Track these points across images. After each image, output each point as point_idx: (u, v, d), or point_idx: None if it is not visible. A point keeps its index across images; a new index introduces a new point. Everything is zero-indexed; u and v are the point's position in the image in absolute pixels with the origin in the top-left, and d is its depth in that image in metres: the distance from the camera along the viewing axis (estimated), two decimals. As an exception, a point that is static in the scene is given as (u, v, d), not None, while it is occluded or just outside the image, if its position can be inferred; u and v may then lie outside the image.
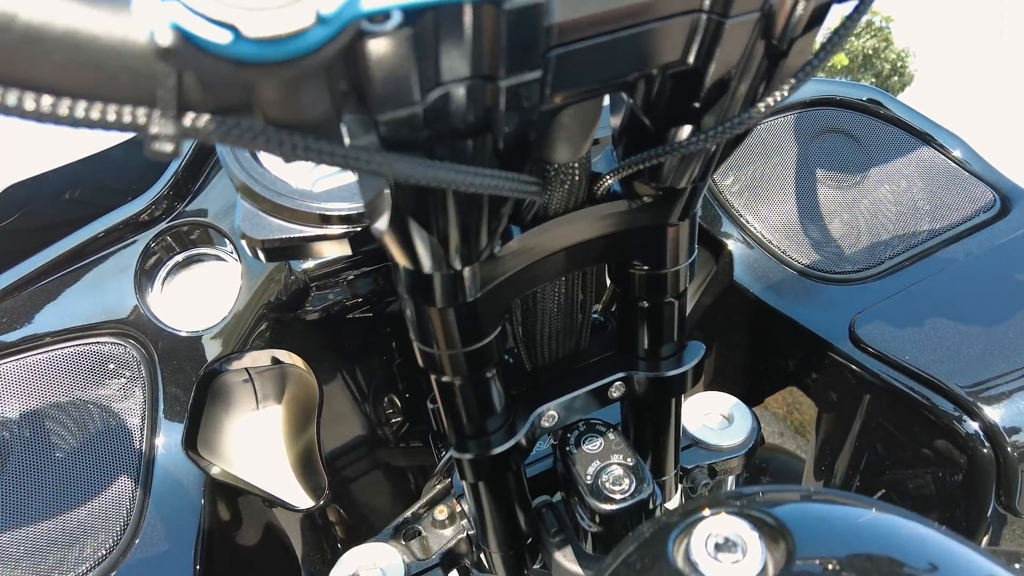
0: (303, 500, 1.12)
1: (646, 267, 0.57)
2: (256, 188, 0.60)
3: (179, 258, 0.97)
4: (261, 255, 0.61)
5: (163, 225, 0.95)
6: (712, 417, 0.95)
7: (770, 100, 0.40)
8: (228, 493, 0.94)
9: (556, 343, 0.64)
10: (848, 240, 1.07)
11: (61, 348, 0.92)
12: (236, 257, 0.99)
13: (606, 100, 0.48)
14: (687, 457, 0.88)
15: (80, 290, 0.94)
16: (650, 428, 0.71)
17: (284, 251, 0.60)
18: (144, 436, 0.90)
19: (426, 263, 0.43)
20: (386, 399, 1.31)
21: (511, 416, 0.61)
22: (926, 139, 1.12)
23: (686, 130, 0.44)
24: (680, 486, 0.86)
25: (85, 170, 1.01)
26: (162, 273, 0.97)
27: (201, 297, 0.97)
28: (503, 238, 0.50)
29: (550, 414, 0.63)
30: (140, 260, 0.94)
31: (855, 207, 1.09)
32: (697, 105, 0.42)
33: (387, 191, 0.37)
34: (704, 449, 0.93)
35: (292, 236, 0.59)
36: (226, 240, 0.98)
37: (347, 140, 0.31)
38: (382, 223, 0.40)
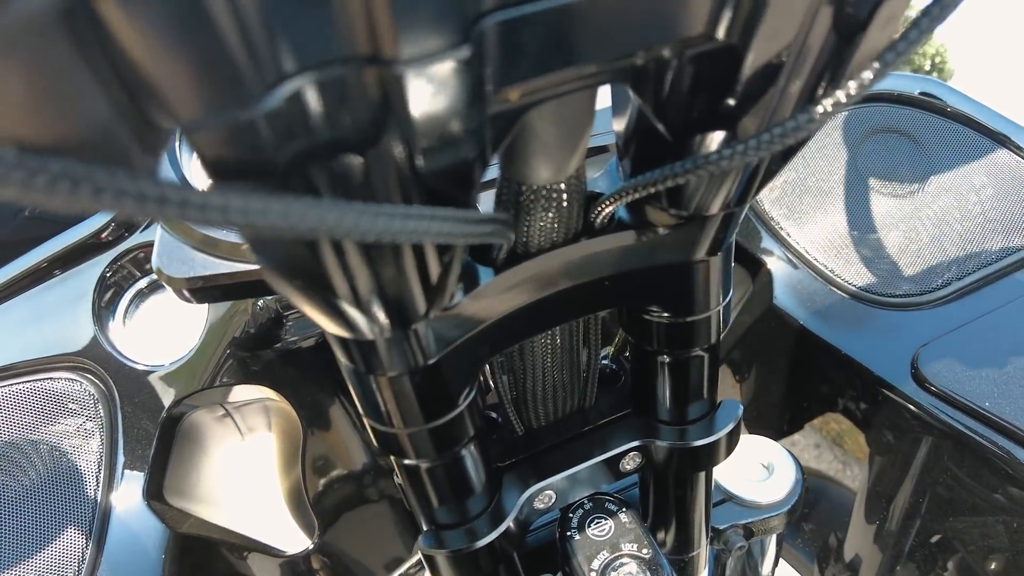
0: (290, 543, 1.01)
1: (666, 314, 0.44)
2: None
3: (142, 284, 0.86)
4: (187, 295, 0.49)
5: (124, 246, 0.85)
6: (749, 466, 0.81)
7: (840, 95, 0.26)
8: (197, 549, 0.83)
9: (553, 402, 0.52)
10: (907, 258, 0.92)
11: (10, 385, 0.82)
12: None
13: (603, 93, 0.35)
14: (719, 515, 0.75)
15: (31, 319, 0.84)
16: (674, 501, 0.58)
17: (213, 292, 0.49)
18: (101, 485, 0.80)
19: (360, 327, 0.31)
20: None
21: (496, 496, 0.49)
22: (999, 139, 0.96)
23: (716, 138, 0.31)
24: (711, 548, 0.73)
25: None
26: (123, 301, 0.86)
27: (166, 328, 0.86)
28: (465, 282, 0.37)
29: (546, 493, 0.50)
30: (98, 285, 0.84)
31: (914, 219, 0.94)
32: (732, 102, 0.29)
33: (259, 257, 0.25)
34: (739, 505, 0.79)
35: (218, 273, 0.47)
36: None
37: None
38: (278, 286, 0.28)
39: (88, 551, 0.77)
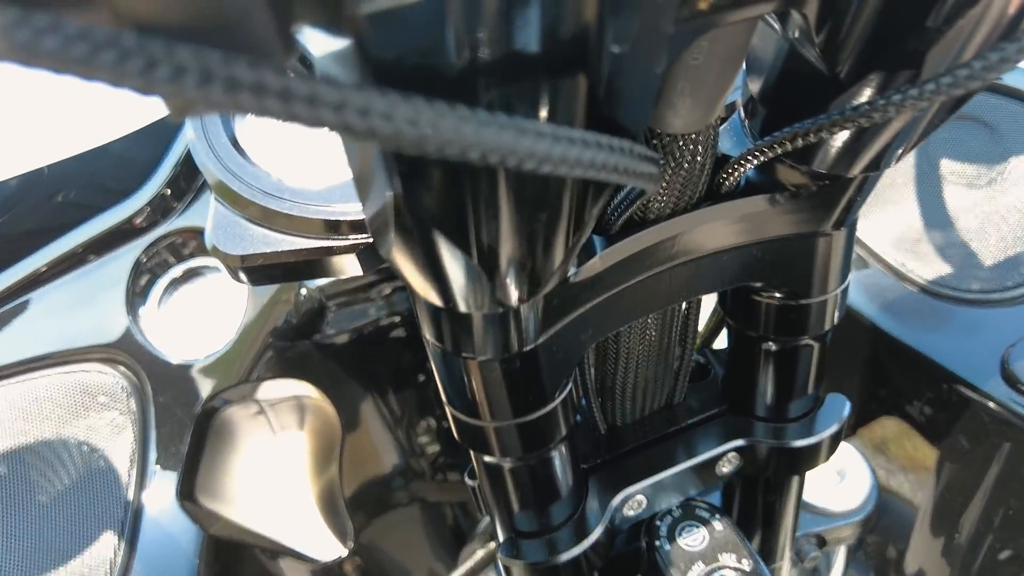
0: (324, 549, 0.97)
1: (779, 295, 0.39)
2: (234, 186, 0.44)
3: (177, 272, 0.82)
4: (242, 277, 0.44)
5: (159, 231, 0.81)
6: (822, 471, 0.76)
7: None
8: (229, 552, 0.78)
9: (643, 396, 0.47)
10: (986, 251, 0.86)
11: (42, 376, 0.78)
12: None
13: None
14: (791, 524, 0.69)
15: (64, 307, 0.80)
16: (764, 508, 0.53)
17: (272, 271, 0.44)
18: (133, 482, 0.76)
19: (463, 299, 0.26)
20: (420, 425, 1.14)
21: (582, 503, 0.44)
22: (1085, 126, 0.90)
23: (888, 80, 0.26)
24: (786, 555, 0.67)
25: (80, 168, 0.87)
26: (158, 290, 0.82)
27: (202, 318, 0.82)
28: (581, 253, 0.32)
29: (637, 499, 0.45)
30: (132, 274, 0.80)
31: (992, 210, 0.88)
32: (928, 25, 0.24)
33: (389, 186, 0.21)
34: (812, 513, 0.74)
35: (281, 251, 0.43)
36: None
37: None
38: (387, 237, 0.24)
39: (121, 551, 0.73)
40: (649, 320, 0.41)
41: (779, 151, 0.29)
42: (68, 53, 0.11)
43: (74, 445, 0.76)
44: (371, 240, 0.44)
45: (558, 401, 0.36)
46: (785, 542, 0.56)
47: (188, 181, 0.83)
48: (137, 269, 0.81)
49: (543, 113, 0.18)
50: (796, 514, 0.55)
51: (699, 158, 0.31)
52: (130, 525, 0.73)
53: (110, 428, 0.77)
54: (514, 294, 0.27)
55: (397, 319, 0.86)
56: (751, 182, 0.35)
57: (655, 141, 0.29)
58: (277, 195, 0.44)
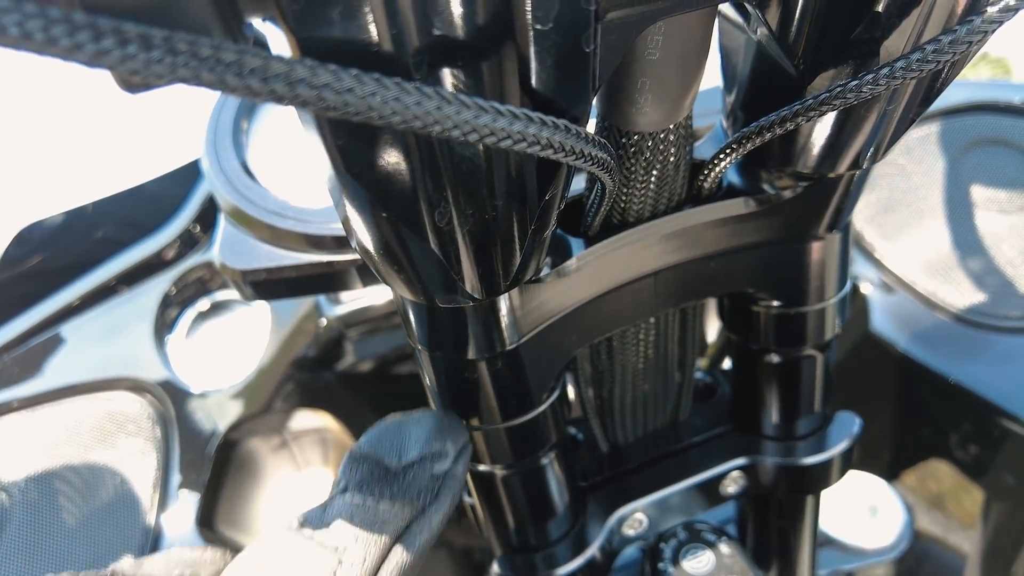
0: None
1: (777, 303, 0.39)
2: (241, 204, 0.46)
3: (203, 305, 0.85)
4: (246, 291, 0.46)
5: (186, 265, 0.84)
6: (852, 506, 0.73)
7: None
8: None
9: (644, 413, 0.46)
10: (1021, 278, 0.83)
11: (73, 403, 0.81)
12: (267, 303, 0.86)
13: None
14: (818, 561, 0.66)
15: (95, 337, 0.83)
16: (777, 533, 0.51)
17: (275, 286, 0.45)
18: (154, 508, 0.77)
19: (430, 289, 0.27)
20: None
21: (580, 519, 0.43)
22: (1120, 148, 0.87)
23: (849, 70, 0.27)
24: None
25: (116, 206, 0.92)
26: (184, 322, 0.85)
27: (226, 350, 0.84)
28: (557, 254, 0.33)
29: (637, 517, 0.44)
30: (160, 306, 0.83)
31: (1027, 236, 0.86)
32: (880, 13, 0.24)
33: (344, 174, 0.21)
34: (841, 550, 0.71)
35: (283, 265, 0.44)
36: (258, 282, 0.86)
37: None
38: (351, 227, 0.25)
39: (139, 579, 0.73)
40: (642, 333, 0.41)
41: (749, 146, 0.29)
42: (26, 30, 0.12)
43: (100, 471, 0.78)
44: (370, 255, 0.46)
45: (546, 406, 0.36)
46: (803, 571, 0.54)
47: (214, 217, 0.86)
48: (165, 301, 0.84)
49: (473, 87, 0.19)
50: (813, 543, 0.52)
51: (672, 158, 0.31)
52: (149, 550, 0.74)
53: (135, 455, 0.79)
54: (480, 286, 0.27)
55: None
56: (734, 186, 0.35)
57: (624, 139, 0.30)
58: (281, 213, 0.45)
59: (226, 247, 0.45)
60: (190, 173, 0.92)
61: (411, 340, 0.34)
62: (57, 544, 0.73)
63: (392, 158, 0.21)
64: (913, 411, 0.87)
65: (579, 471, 0.46)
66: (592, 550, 0.41)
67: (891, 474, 0.90)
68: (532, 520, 0.40)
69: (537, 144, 0.19)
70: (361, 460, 0.30)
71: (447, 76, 0.19)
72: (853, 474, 0.75)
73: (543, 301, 0.32)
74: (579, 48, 0.20)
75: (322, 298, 0.80)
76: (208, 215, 0.86)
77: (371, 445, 0.31)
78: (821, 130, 0.30)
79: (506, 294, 0.30)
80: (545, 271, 0.32)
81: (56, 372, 0.81)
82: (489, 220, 0.24)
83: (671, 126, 0.30)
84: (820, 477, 0.45)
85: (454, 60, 0.18)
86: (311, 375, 0.83)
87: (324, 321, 0.80)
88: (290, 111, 0.54)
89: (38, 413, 0.80)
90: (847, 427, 0.45)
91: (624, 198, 0.32)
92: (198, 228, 0.85)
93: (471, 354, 0.32)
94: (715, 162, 0.32)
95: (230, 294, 0.87)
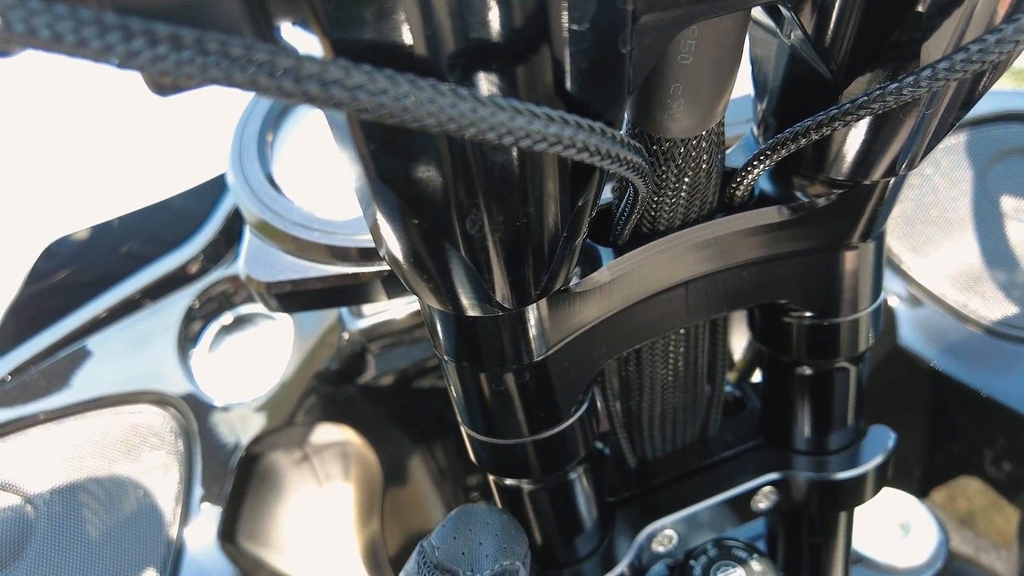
0: (365, 603, 0.95)
1: (809, 314, 0.38)
2: (267, 217, 0.46)
3: (227, 319, 0.85)
4: (271, 303, 0.46)
5: (210, 279, 0.84)
6: (883, 524, 0.71)
7: None
8: (267, 598, 0.78)
9: (672, 427, 0.45)
10: (1056, 290, 0.81)
11: (98, 416, 0.81)
12: (290, 317, 0.86)
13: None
14: (851, 581, 0.64)
15: (121, 351, 0.84)
16: (809, 550, 0.50)
17: (300, 298, 0.45)
18: (177, 521, 0.77)
19: (458, 299, 0.27)
20: (460, 474, 1.13)
21: (608, 535, 0.42)
22: None
23: (886, 75, 0.26)
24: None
25: (141, 221, 0.93)
26: (208, 336, 0.85)
27: (249, 364, 0.85)
28: (586, 264, 0.32)
29: (666, 533, 0.43)
30: (184, 320, 0.83)
31: (1060, 247, 0.84)
32: (922, 13, 0.24)
33: (374, 179, 0.21)
34: (873, 569, 0.69)
35: (308, 277, 0.44)
36: (280, 296, 0.86)
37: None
38: (380, 236, 0.24)
39: (161, 591, 0.73)
40: (671, 345, 0.40)
41: (783, 152, 0.29)
42: (57, 33, 0.12)
43: (123, 484, 0.78)
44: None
45: (574, 419, 0.35)
46: (837, 592, 0.52)
47: (238, 231, 0.87)
48: (189, 315, 0.84)
49: (507, 89, 0.19)
50: (846, 562, 0.51)
51: (703, 165, 0.30)
52: (171, 564, 0.74)
53: (158, 468, 0.79)
54: (511, 295, 0.26)
55: (437, 363, 0.87)
56: (766, 194, 0.34)
57: (655, 147, 0.29)
58: (306, 225, 0.45)
59: (251, 259, 0.45)
60: (214, 188, 0.93)
61: (438, 351, 0.33)
62: (80, 556, 0.73)
63: (424, 164, 0.20)
64: (944, 426, 0.85)
65: (607, 487, 0.45)
66: (621, 567, 0.41)
67: (922, 491, 0.87)
68: (559, 536, 0.39)
69: (572, 147, 0.19)
70: (435, 568, 0.32)
71: (481, 78, 0.19)
72: (884, 491, 0.73)
73: (572, 312, 0.32)
74: (615, 49, 0.19)
75: (345, 311, 0.80)
76: (232, 229, 0.87)
77: (445, 553, 0.32)
78: (856, 136, 0.30)
79: (535, 305, 0.30)
80: (574, 281, 0.31)
81: (81, 385, 0.82)
82: (521, 228, 0.23)
83: (703, 132, 0.29)
84: (854, 493, 0.44)
85: (488, 62, 0.18)
86: (333, 388, 0.83)
87: (347, 335, 0.80)
88: (315, 123, 0.54)
89: (63, 426, 0.80)
90: (882, 441, 0.44)
91: (654, 206, 0.32)
92: (222, 243, 0.86)
93: (498, 366, 0.31)
94: (748, 170, 0.31)
95: (254, 308, 0.88)
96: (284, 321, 0.86)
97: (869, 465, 0.43)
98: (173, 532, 0.76)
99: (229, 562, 0.76)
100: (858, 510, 0.68)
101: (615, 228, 0.33)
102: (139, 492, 0.78)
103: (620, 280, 0.33)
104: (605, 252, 0.33)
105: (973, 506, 0.89)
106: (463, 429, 0.36)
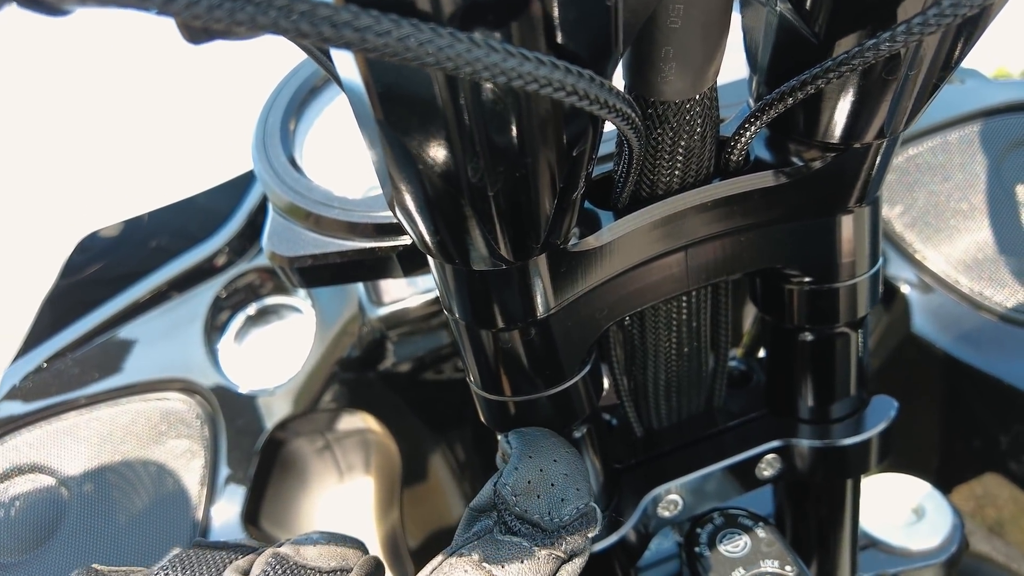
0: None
1: (808, 279, 0.39)
2: (289, 195, 0.48)
3: (252, 311, 0.88)
4: (293, 277, 0.48)
5: (235, 271, 0.87)
6: (895, 509, 0.71)
7: None
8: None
9: (678, 398, 0.47)
10: (1071, 277, 0.81)
11: (128, 403, 0.84)
12: (312, 307, 0.89)
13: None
14: (863, 563, 0.65)
15: (150, 340, 0.87)
16: (815, 522, 0.51)
17: (321, 273, 0.48)
18: (202, 505, 0.79)
19: (460, 250, 0.28)
20: (487, 478, 1.14)
21: (614, 499, 0.44)
22: None
23: (867, 35, 0.28)
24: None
25: (171, 216, 0.97)
26: (234, 326, 0.88)
27: (274, 353, 0.87)
28: (587, 227, 0.34)
29: (671, 498, 0.45)
30: (211, 310, 0.86)
31: (1076, 235, 0.84)
32: None
33: (379, 127, 0.23)
34: (885, 552, 0.69)
35: (327, 252, 0.46)
36: (301, 288, 0.89)
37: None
38: (386, 183, 0.26)
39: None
40: (674, 312, 0.42)
41: (772, 113, 0.30)
42: None
43: (151, 468, 0.81)
44: (411, 241, 0.48)
45: (578, 378, 0.37)
46: (844, 566, 0.53)
47: (262, 226, 0.90)
48: (216, 306, 0.87)
49: (501, 37, 0.21)
50: (853, 534, 0.52)
51: (698, 128, 0.32)
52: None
53: (184, 454, 0.82)
54: (513, 247, 0.28)
55: (454, 351, 0.89)
56: (761, 160, 0.36)
57: (650, 110, 0.31)
58: (326, 203, 0.48)
59: (274, 236, 0.48)
60: (239, 186, 0.96)
61: (449, 313, 0.35)
62: (111, 536, 0.76)
63: (428, 110, 0.22)
64: (959, 413, 0.85)
65: (613, 455, 0.46)
66: (626, 529, 0.42)
67: (937, 479, 0.87)
68: (566, 496, 0.41)
69: (562, 90, 0.21)
70: (517, 520, 0.30)
71: (477, 26, 0.20)
72: (897, 477, 0.74)
73: (574, 272, 0.34)
74: (602, 2, 0.21)
75: (365, 300, 0.82)
76: (256, 224, 0.90)
77: (525, 502, 0.30)
78: (844, 99, 0.31)
79: (538, 263, 0.31)
80: (573, 241, 0.33)
81: (113, 373, 0.85)
82: (520, 178, 0.25)
83: (696, 96, 0.31)
84: (859, 460, 0.44)
85: (483, 12, 0.20)
86: (354, 376, 0.86)
87: (367, 325, 0.82)
88: (333, 113, 0.56)
89: (96, 412, 0.84)
90: (884, 410, 0.45)
91: (652, 170, 0.34)
92: (248, 236, 0.89)
93: (503, 322, 0.33)
94: (740, 132, 0.33)
95: (278, 299, 0.90)
96: (307, 312, 0.89)
97: (872, 432, 0.44)
98: (199, 514, 0.79)
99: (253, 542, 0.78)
100: (870, 494, 0.68)
101: (615, 193, 0.34)
102: (166, 476, 0.81)
103: (620, 242, 0.35)
104: (605, 216, 0.34)
105: (986, 491, 0.89)
106: (473, 389, 0.38)
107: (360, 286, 0.82)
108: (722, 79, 0.33)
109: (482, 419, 0.39)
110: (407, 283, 0.81)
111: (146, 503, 0.79)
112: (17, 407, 0.83)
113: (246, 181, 0.95)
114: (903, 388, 0.89)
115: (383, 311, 0.80)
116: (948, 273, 0.86)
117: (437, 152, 0.24)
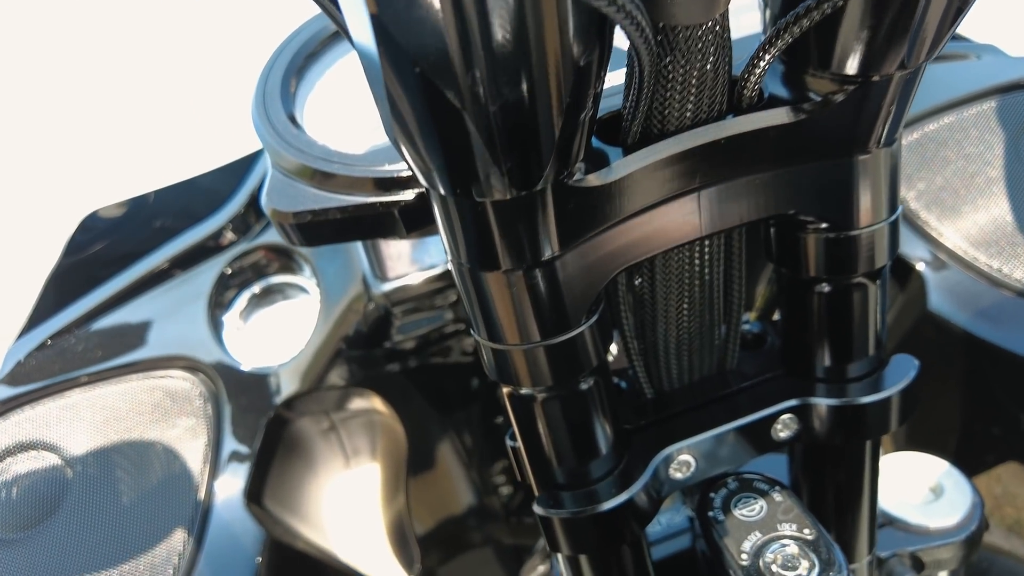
0: (388, 574, 0.96)
1: (825, 226, 0.38)
2: (288, 152, 0.47)
3: (256, 289, 0.87)
4: (293, 236, 0.47)
5: (239, 249, 0.86)
6: (914, 487, 0.69)
7: None
8: (292, 558, 0.79)
9: (689, 358, 0.45)
10: (1093, 252, 0.79)
11: (131, 381, 0.83)
12: (317, 285, 0.88)
13: None
14: (880, 541, 0.63)
15: (153, 319, 0.86)
16: (833, 488, 0.49)
17: (322, 228, 0.46)
18: (204, 483, 0.79)
19: (470, 173, 0.27)
20: (485, 449, 1.13)
21: (624, 459, 0.42)
22: None
23: None
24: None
25: (174, 196, 0.96)
26: (238, 305, 0.87)
27: (278, 331, 0.86)
28: (593, 162, 0.32)
29: (683, 459, 0.43)
30: (215, 288, 0.85)
31: (1097, 210, 0.82)
32: None
33: (376, 49, 0.22)
34: (903, 531, 0.67)
35: (328, 207, 0.45)
36: (306, 266, 0.88)
37: None
38: (384, 109, 0.25)
39: (189, 546, 0.75)
40: (686, 264, 0.40)
41: (786, 38, 0.29)
42: None
43: (154, 447, 0.80)
44: (413, 197, 0.46)
45: (585, 327, 0.35)
46: (862, 537, 0.51)
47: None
48: (220, 284, 0.87)
49: None
50: (873, 502, 0.50)
51: (710, 57, 0.31)
52: (199, 523, 0.76)
53: (188, 431, 0.81)
54: (518, 172, 0.27)
55: (463, 326, 0.87)
56: (776, 96, 0.34)
57: (661, 37, 0.30)
58: (326, 159, 0.47)
59: (273, 192, 0.47)
60: (243, 166, 0.96)
61: (451, 257, 0.34)
62: (112, 514, 0.75)
63: (428, 19, 0.21)
64: (978, 391, 0.83)
65: (623, 417, 0.45)
66: (636, 488, 0.40)
67: (956, 459, 0.85)
68: (573, 452, 0.40)
69: None
70: None
71: None
72: (915, 455, 0.72)
73: (581, 211, 0.32)
74: None
75: (370, 276, 0.81)
76: (259, 202, 0.89)
77: None
78: (861, 26, 0.30)
79: (543, 196, 0.30)
80: (580, 176, 0.31)
81: (116, 351, 0.84)
82: (523, 93, 0.24)
83: (708, 24, 0.30)
84: (878, 419, 0.43)
85: None
86: (360, 353, 0.85)
87: (372, 299, 0.81)
88: (334, 74, 0.55)
89: (99, 389, 0.83)
90: (905, 368, 0.43)
91: (662, 104, 0.32)
92: (252, 215, 0.88)
93: (508, 262, 0.32)
94: (754, 63, 0.31)
95: (283, 278, 0.89)
96: (312, 291, 0.88)
97: (893, 390, 0.42)
98: (201, 493, 0.78)
99: (255, 522, 0.77)
100: (888, 473, 0.66)
101: (624, 128, 0.33)
102: (169, 454, 0.80)
103: (630, 182, 0.33)
104: (614, 152, 0.33)
105: (1007, 473, 0.86)
106: (477, 340, 0.37)
107: (364, 262, 0.81)
108: (736, 34, 0.32)
109: (487, 373, 0.38)
110: (411, 259, 0.79)
111: (148, 481, 0.78)
112: (20, 384, 0.82)
113: (249, 162, 0.95)
114: (922, 367, 0.87)
115: (387, 286, 0.78)
116: (965, 250, 0.84)
117: (438, 65, 0.22)
